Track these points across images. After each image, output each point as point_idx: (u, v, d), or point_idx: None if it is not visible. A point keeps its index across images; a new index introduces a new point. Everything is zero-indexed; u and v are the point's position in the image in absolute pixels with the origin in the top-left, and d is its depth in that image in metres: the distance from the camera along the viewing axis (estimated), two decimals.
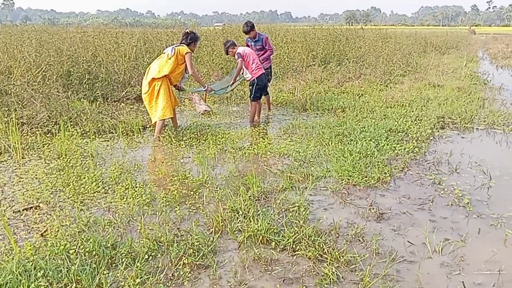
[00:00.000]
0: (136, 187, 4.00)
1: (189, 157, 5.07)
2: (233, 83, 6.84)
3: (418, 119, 6.48)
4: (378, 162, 4.62)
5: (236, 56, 6.51)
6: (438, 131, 6.06)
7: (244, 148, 5.35)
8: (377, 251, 2.95)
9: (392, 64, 12.31)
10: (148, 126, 6.30)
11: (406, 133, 5.80)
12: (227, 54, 6.70)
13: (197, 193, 3.92)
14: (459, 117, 6.65)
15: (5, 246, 2.98)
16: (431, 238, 3.13)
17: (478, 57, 18.30)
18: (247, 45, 7.22)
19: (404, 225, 3.37)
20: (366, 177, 4.24)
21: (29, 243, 2.94)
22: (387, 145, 5.19)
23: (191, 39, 6.03)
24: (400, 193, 3.98)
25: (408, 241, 3.11)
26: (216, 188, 4.03)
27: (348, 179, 4.21)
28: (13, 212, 3.56)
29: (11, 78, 7.17)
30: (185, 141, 5.57)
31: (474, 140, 5.79)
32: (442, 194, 3.96)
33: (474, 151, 5.16)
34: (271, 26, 18.62)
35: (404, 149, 5.10)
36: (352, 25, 30.51)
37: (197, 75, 6.11)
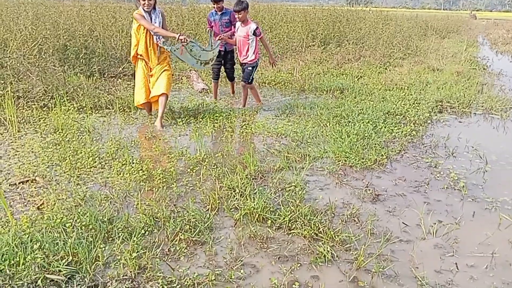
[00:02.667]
0: (133, 163, 3.98)
1: (186, 135, 5.05)
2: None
3: (417, 103, 6.47)
4: (375, 144, 4.63)
5: (251, 28, 5.82)
6: (436, 115, 6.06)
7: (242, 127, 5.34)
8: (372, 232, 2.97)
9: (392, 46, 12.23)
10: None
11: (404, 116, 5.80)
12: (238, 12, 5.78)
13: (194, 171, 3.91)
14: (457, 101, 6.64)
15: (1, 219, 2.98)
16: (425, 220, 3.16)
17: (478, 42, 18.18)
18: (209, 20, 6.50)
19: (399, 207, 3.39)
20: (363, 158, 4.25)
21: (25, 216, 2.94)
22: (385, 127, 5.19)
23: None
24: (396, 175, 4.00)
25: (403, 223, 3.13)
26: (213, 166, 4.03)
27: (345, 160, 4.22)
28: (9, 185, 3.55)
29: (7, 51, 7.06)
30: (182, 119, 5.54)
31: (472, 124, 5.80)
32: (438, 177, 3.98)
33: (471, 136, 5.17)
34: (270, 5, 18.37)
35: (402, 132, 5.11)
36: (352, 7, 30.15)
37: (160, 30, 5.12)
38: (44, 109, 5.68)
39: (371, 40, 12.60)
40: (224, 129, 5.22)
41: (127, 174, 3.76)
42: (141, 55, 5.27)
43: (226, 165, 4.04)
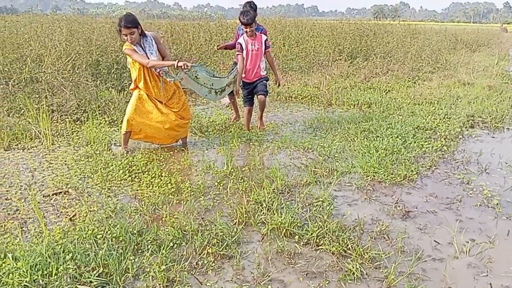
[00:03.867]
0: (162, 176, 4.04)
1: (214, 148, 5.10)
2: (228, 86, 5.44)
3: (447, 117, 6.34)
4: (404, 159, 4.55)
5: (264, 38, 5.46)
6: (467, 130, 5.92)
7: (268, 140, 5.35)
8: (402, 249, 2.91)
9: (420, 60, 12.07)
10: None
11: (434, 131, 5.69)
12: (249, 23, 5.20)
13: (221, 184, 3.94)
14: (490, 116, 6.48)
15: (35, 229, 3.07)
16: (458, 238, 3.07)
17: (510, 55, 17.74)
18: (237, 34, 5.98)
19: (430, 224, 3.31)
20: (392, 174, 4.19)
21: (58, 227, 3.03)
22: (415, 142, 5.10)
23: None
24: (427, 192, 3.92)
25: (434, 241, 3.06)
26: (240, 180, 4.04)
27: (374, 176, 4.17)
28: (43, 196, 3.67)
29: (42, 66, 7.33)
30: (210, 133, 5.60)
31: (505, 140, 5.63)
32: (470, 194, 3.87)
33: (504, 151, 5.02)
34: (297, 20, 18.48)
35: (432, 147, 5.01)
36: (380, 20, 30.00)
37: (156, 62, 4.50)
38: (77, 122, 5.86)
39: (399, 54, 12.49)
40: (251, 143, 5.24)
41: (156, 187, 3.81)
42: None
43: (253, 179, 4.05)
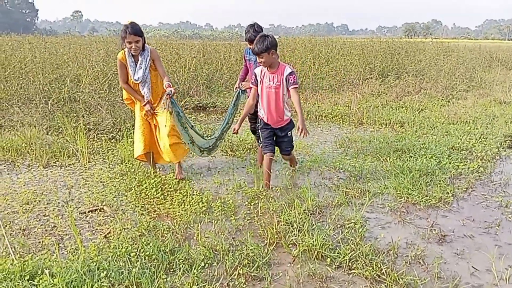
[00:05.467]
0: (193, 194, 4.09)
1: (243, 167, 5.12)
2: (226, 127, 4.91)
3: (483, 137, 6.16)
4: (439, 180, 4.44)
5: (286, 73, 4.08)
6: (505, 151, 5.72)
7: (299, 160, 5.33)
8: (438, 275, 2.82)
9: (454, 78, 11.82)
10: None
11: (470, 152, 5.53)
12: (259, 55, 4.01)
13: (252, 204, 3.94)
14: None
15: (71, 246, 3.15)
16: (497, 264, 2.94)
17: None
18: (244, 58, 5.06)
19: (468, 249, 3.20)
20: (426, 196, 4.08)
21: (93, 244, 3.10)
22: (450, 163, 4.98)
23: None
24: (463, 215, 3.79)
25: (472, 267, 2.94)
26: (271, 199, 4.04)
27: (407, 197, 4.08)
28: (79, 213, 3.77)
29: (80, 86, 7.63)
30: (241, 152, 5.64)
31: None
32: (509, 218, 3.73)
33: None
34: (327, 39, 18.55)
35: (468, 168, 4.87)
36: (411, 38, 29.70)
37: (126, 89, 4.47)
38: (112, 141, 6.02)
39: (432, 72, 12.29)
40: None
41: (187, 205, 3.86)
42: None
43: (284, 198, 4.03)
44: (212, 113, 8.40)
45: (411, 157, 5.20)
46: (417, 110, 8.26)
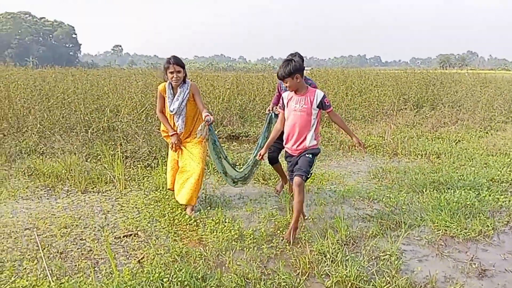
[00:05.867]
0: (226, 222, 4.10)
1: (276, 196, 5.11)
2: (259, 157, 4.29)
3: None
4: (479, 213, 4.28)
5: (317, 97, 3.86)
6: None
7: (332, 190, 5.28)
8: None
9: (492, 110, 11.52)
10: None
11: (510, 184, 5.32)
12: (283, 79, 3.86)
13: (284, 233, 3.91)
14: None
15: (106, 270, 3.21)
16: None
17: None
18: (279, 88, 4.90)
19: (509, 284, 3.04)
20: (465, 229, 3.94)
21: (127, 268, 3.14)
22: (489, 195, 4.80)
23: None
24: (505, 249, 3.63)
25: None
26: (303, 228, 4.00)
27: (445, 230, 3.94)
28: (115, 238, 3.85)
29: (119, 116, 7.92)
30: (273, 180, 5.65)
31: None
32: None
33: None
34: (360, 70, 18.58)
35: (509, 201, 4.68)
36: (446, 69, 29.30)
37: (161, 119, 4.59)
38: (147, 168, 6.16)
39: (469, 103, 12.02)
40: (314, 191, 5.20)
41: (219, 232, 3.87)
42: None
43: (316, 228, 3.98)
44: (244, 142, 8.49)
45: (448, 189, 5.06)
46: (454, 141, 8.07)
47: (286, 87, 3.96)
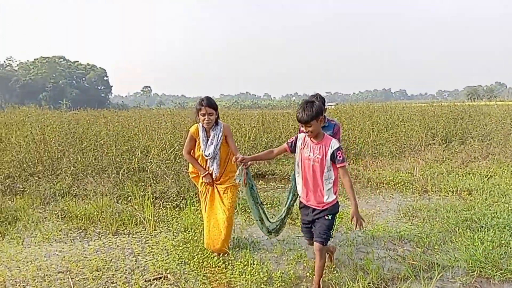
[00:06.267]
0: (254, 264, 4.10)
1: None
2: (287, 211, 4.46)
3: None
4: None
5: (332, 146, 3.46)
6: None
7: (360, 230, 5.20)
8: None
9: None
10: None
11: None
12: (306, 124, 3.46)
13: (313, 275, 3.86)
14: None
15: None
16: None
17: None
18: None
19: None
20: (501, 269, 3.80)
21: None
22: None
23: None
24: None
25: None
26: (333, 270, 3.95)
27: (480, 271, 3.82)
28: (145, 281, 3.89)
29: (149, 156, 8.13)
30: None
31: None
32: None
33: None
34: (385, 105, 18.54)
35: None
36: (474, 102, 28.87)
37: (189, 159, 4.52)
38: (176, 209, 6.25)
39: (499, 136, 11.76)
40: (342, 232, 5.14)
41: (248, 275, 3.86)
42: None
43: (346, 270, 3.93)
44: (271, 181, 8.51)
45: (482, 227, 4.92)
46: (485, 177, 7.87)
47: (307, 132, 3.52)
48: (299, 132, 3.98)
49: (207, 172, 4.39)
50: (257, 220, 4.30)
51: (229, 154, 4.46)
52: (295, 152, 3.65)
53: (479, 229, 4.84)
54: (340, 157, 3.42)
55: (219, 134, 4.34)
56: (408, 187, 7.42)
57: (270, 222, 4.39)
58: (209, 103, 4.29)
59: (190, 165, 4.60)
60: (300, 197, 3.72)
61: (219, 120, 4.42)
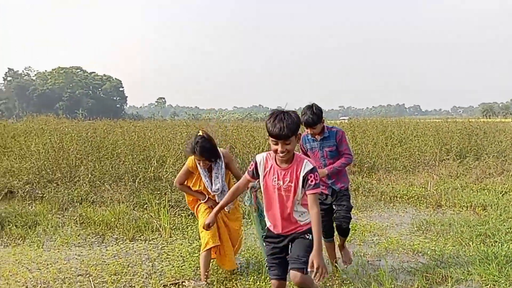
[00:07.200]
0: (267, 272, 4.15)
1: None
2: None
3: None
4: None
5: (306, 170, 2.78)
6: None
7: (374, 241, 5.24)
8: None
9: None
10: None
11: None
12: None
13: (327, 285, 3.92)
14: None
15: None
16: None
17: None
18: (302, 148, 4.14)
19: None
20: None
21: None
22: None
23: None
24: None
25: None
26: (346, 281, 3.99)
27: (494, 285, 3.83)
28: (162, 286, 3.98)
29: (164, 166, 8.27)
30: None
31: None
32: None
33: None
34: (399, 120, 18.51)
35: None
36: (489, 118, 28.62)
37: (183, 190, 4.34)
38: (190, 217, 6.35)
39: None
40: (356, 243, 5.18)
41: (262, 282, 3.93)
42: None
43: (360, 281, 3.97)
44: None
45: (496, 242, 4.92)
46: (500, 193, 7.82)
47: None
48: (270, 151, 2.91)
49: (209, 197, 4.13)
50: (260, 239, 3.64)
51: (230, 181, 4.23)
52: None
53: (493, 244, 4.85)
54: (312, 181, 2.73)
55: (221, 164, 4.04)
56: (422, 201, 7.42)
57: None
58: (201, 153, 3.89)
59: (187, 196, 4.36)
60: (269, 227, 3.03)
61: (218, 149, 4.07)
